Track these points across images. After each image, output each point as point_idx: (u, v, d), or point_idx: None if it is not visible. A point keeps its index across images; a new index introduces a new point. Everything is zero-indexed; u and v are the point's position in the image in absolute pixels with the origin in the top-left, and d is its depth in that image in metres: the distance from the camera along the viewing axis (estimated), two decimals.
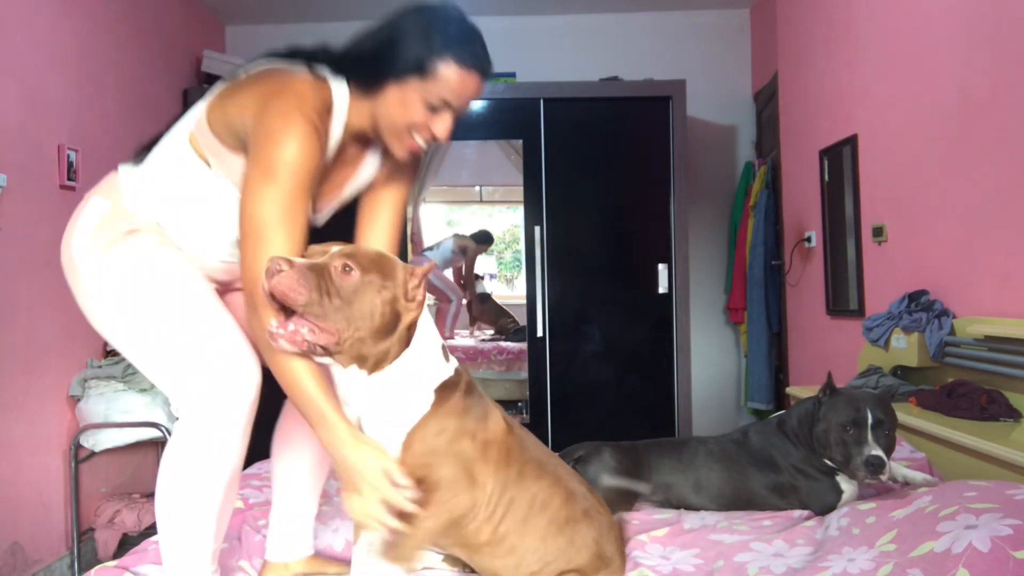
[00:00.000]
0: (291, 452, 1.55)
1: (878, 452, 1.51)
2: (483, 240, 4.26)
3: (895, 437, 1.59)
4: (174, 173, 1.35)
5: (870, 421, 1.54)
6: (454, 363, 1.33)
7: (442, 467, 1.24)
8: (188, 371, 1.26)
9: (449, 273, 4.27)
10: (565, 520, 1.33)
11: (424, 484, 1.23)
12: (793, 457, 1.69)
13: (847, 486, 1.65)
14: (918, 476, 1.70)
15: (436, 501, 1.23)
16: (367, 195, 1.52)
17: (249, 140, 1.24)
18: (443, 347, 1.32)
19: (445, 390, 1.27)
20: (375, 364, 1.22)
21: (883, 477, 1.51)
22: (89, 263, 1.30)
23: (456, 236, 4.24)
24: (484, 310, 4.32)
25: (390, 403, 1.25)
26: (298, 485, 1.55)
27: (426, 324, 1.28)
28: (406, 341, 1.24)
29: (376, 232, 1.51)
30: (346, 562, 1.54)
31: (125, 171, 1.38)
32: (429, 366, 1.28)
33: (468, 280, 4.28)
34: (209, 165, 1.32)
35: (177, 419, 1.29)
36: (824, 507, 1.65)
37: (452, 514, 1.24)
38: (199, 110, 1.34)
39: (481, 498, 1.27)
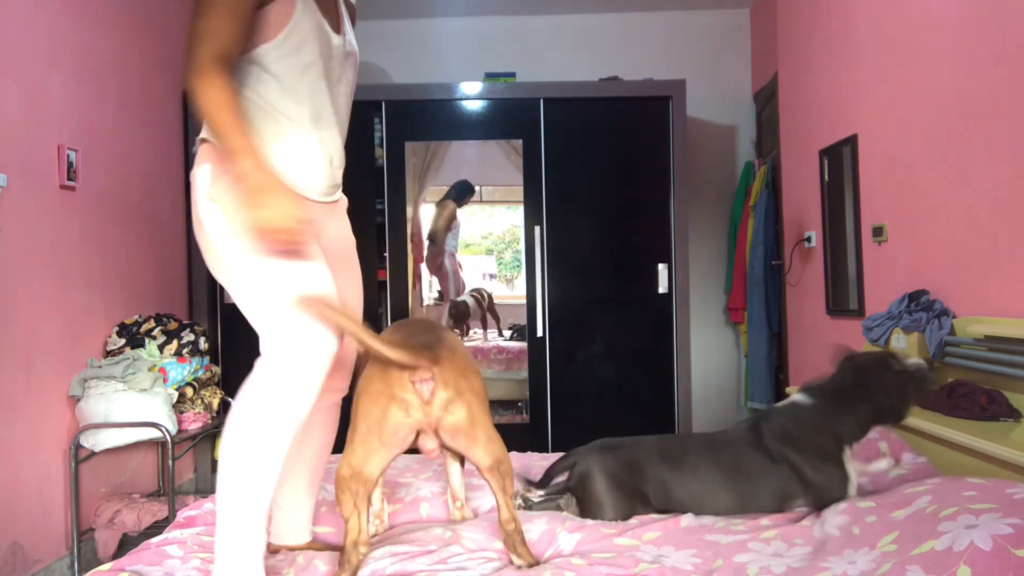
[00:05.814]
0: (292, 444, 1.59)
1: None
2: (465, 192, 3.98)
3: None
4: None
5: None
6: None
7: None
8: (281, 322, 1.41)
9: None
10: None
11: None
12: (805, 453, 1.69)
13: (853, 474, 1.69)
14: (883, 464, 1.85)
15: None
16: None
17: None
18: None
19: None
20: None
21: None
22: (209, 215, 1.45)
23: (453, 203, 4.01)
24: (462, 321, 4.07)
25: None
26: (297, 475, 1.63)
27: None
28: None
29: None
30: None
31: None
32: None
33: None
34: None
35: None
36: (834, 500, 1.64)
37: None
38: None
39: None
